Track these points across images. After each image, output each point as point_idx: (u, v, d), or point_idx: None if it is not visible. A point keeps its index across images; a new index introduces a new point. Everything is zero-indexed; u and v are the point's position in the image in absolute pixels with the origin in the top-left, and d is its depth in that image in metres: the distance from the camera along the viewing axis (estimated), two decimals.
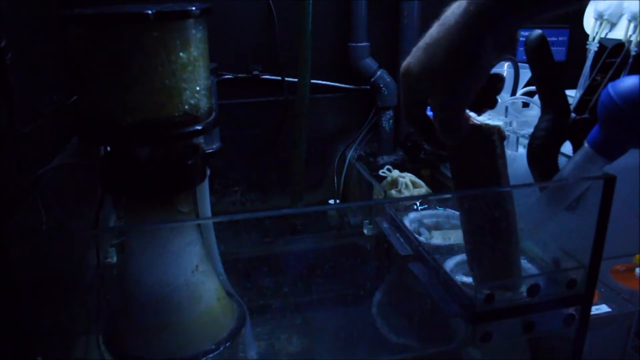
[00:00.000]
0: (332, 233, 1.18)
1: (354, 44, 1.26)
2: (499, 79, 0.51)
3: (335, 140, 1.35)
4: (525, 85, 1.10)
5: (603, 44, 1.02)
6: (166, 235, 0.58)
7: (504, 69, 1.10)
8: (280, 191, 1.32)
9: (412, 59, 0.49)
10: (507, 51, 0.48)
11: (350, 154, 1.33)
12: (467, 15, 0.45)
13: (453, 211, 0.80)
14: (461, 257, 0.67)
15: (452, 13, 0.46)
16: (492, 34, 0.45)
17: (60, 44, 0.79)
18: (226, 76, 1.22)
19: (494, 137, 0.53)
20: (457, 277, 0.62)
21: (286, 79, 1.24)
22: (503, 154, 0.54)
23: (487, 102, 0.52)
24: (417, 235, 0.73)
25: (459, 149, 0.54)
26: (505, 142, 0.83)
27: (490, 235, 0.55)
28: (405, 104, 0.52)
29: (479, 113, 0.53)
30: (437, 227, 0.80)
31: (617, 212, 0.54)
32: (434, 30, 0.48)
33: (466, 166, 0.55)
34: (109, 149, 0.62)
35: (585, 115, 0.55)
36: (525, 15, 0.46)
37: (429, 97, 0.49)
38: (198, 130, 0.56)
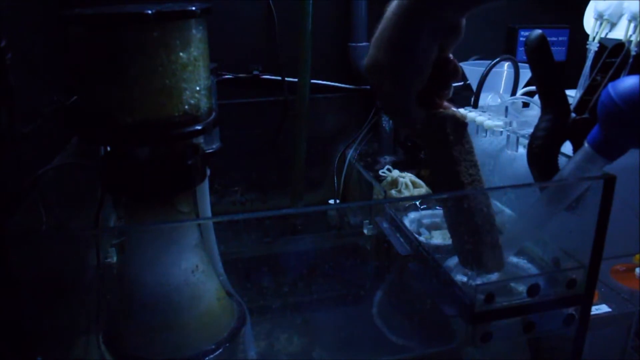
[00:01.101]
0: (332, 233, 1.18)
1: (354, 44, 1.26)
2: (448, 61, 0.52)
3: (335, 140, 1.35)
4: (525, 85, 1.10)
5: (603, 44, 1.02)
6: (166, 235, 0.58)
7: (504, 69, 1.10)
8: (280, 191, 1.31)
9: (368, 54, 0.52)
10: (451, 38, 0.49)
11: (350, 154, 1.33)
12: (400, 7, 0.47)
13: None
14: None
15: (391, 7, 0.48)
16: (428, 24, 0.47)
17: (60, 44, 0.79)
18: (226, 76, 1.22)
19: (445, 125, 0.54)
20: (457, 277, 0.62)
21: (286, 79, 1.24)
22: (461, 141, 0.55)
23: (442, 89, 0.54)
24: (417, 235, 0.73)
25: (420, 136, 0.56)
26: (505, 142, 0.83)
27: (464, 223, 0.55)
28: (375, 94, 0.55)
29: (439, 100, 0.54)
30: (437, 227, 0.80)
31: (617, 212, 0.54)
32: (380, 24, 0.50)
33: (428, 153, 0.58)
34: (109, 149, 0.62)
35: (585, 115, 0.55)
36: (460, 6, 0.47)
37: (384, 88, 0.51)
38: (198, 130, 0.56)
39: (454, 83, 0.55)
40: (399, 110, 0.52)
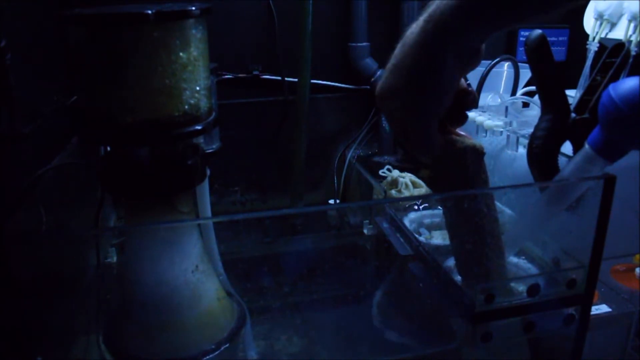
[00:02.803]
0: (332, 233, 1.18)
1: (354, 44, 1.26)
2: (467, 92, 0.51)
3: (335, 140, 1.35)
4: (525, 85, 1.10)
5: (603, 44, 1.02)
6: (166, 235, 0.58)
7: (504, 69, 1.10)
8: (280, 191, 1.31)
9: (382, 81, 0.50)
10: (471, 65, 0.48)
11: (350, 154, 1.33)
12: (424, 34, 0.45)
13: None
14: None
15: (411, 32, 0.47)
16: (452, 50, 0.45)
17: (60, 44, 0.79)
18: (226, 76, 1.22)
19: (466, 155, 0.52)
20: (457, 277, 0.62)
21: (286, 79, 1.24)
22: (479, 171, 0.54)
23: (457, 118, 0.52)
24: (417, 235, 0.73)
25: (435, 165, 0.54)
26: (505, 142, 0.83)
27: (467, 235, 0.55)
28: (388, 123, 0.53)
29: (450, 127, 0.53)
30: (437, 227, 0.80)
31: (617, 212, 0.54)
32: (398, 50, 0.48)
33: (442, 181, 0.55)
34: (109, 149, 0.62)
35: (585, 115, 0.55)
36: (484, 31, 0.46)
37: (400, 116, 0.50)
38: (198, 130, 0.56)
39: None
40: (418, 139, 0.50)
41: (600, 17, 1.02)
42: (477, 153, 0.53)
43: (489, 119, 0.83)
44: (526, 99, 0.99)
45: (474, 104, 0.52)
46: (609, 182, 0.52)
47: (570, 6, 0.46)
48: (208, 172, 0.65)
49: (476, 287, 0.54)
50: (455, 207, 0.55)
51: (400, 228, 0.73)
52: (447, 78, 0.47)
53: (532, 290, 0.55)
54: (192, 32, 0.54)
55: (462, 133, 0.53)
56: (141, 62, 0.51)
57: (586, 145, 0.53)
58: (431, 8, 0.45)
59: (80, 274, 0.73)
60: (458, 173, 0.53)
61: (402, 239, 0.71)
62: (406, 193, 1.03)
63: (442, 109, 0.49)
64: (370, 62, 1.27)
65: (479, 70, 1.02)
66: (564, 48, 1.36)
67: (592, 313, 0.59)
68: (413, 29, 0.46)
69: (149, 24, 0.51)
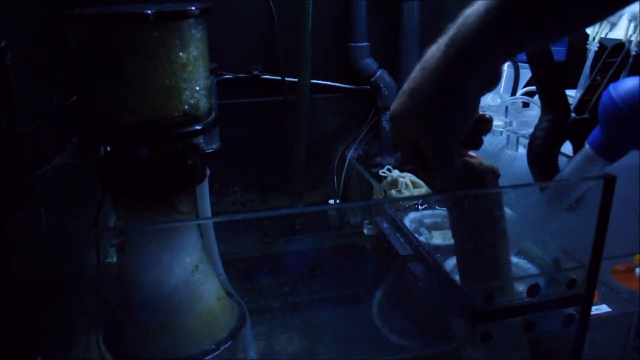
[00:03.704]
0: (332, 233, 1.18)
1: (354, 44, 1.26)
2: (486, 120, 0.51)
3: (335, 140, 1.35)
4: (525, 85, 1.10)
5: (603, 44, 1.02)
6: (166, 235, 0.58)
7: (504, 69, 1.10)
8: (280, 191, 1.31)
9: (398, 103, 0.49)
10: (491, 87, 0.48)
11: (350, 154, 1.33)
12: (446, 58, 0.45)
13: None
14: None
15: (431, 56, 0.46)
16: (473, 75, 0.45)
17: (60, 44, 0.79)
18: (226, 76, 1.22)
19: (485, 178, 0.52)
20: (457, 277, 0.62)
21: (286, 79, 1.24)
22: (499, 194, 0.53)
23: (472, 142, 0.52)
24: (417, 235, 0.73)
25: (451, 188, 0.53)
26: (505, 142, 0.83)
27: (475, 238, 0.54)
28: (397, 145, 0.52)
29: (462, 150, 0.53)
30: (437, 227, 0.80)
31: (617, 212, 0.54)
32: (417, 74, 0.47)
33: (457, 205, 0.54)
34: (109, 149, 0.62)
35: (585, 115, 0.55)
36: (504, 55, 0.46)
37: (418, 139, 0.49)
38: (198, 130, 0.56)
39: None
40: (438, 163, 0.50)
41: None
42: (495, 175, 0.53)
43: None
44: (526, 99, 0.99)
45: (488, 130, 0.52)
46: (609, 182, 0.52)
47: (586, 28, 0.46)
48: (208, 172, 0.65)
49: (476, 287, 0.54)
50: (457, 207, 0.54)
51: (400, 228, 0.73)
52: (469, 102, 0.47)
53: (532, 290, 0.55)
54: (192, 32, 0.54)
55: (474, 155, 0.53)
56: (141, 62, 0.51)
57: (586, 145, 0.53)
58: (452, 32, 0.45)
59: (80, 274, 0.73)
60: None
61: (402, 239, 0.71)
62: (406, 193, 1.03)
63: (463, 133, 0.48)
64: (370, 62, 1.27)
65: None
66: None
67: (592, 313, 0.59)
68: (434, 53, 0.46)
69: (148, 24, 0.50)
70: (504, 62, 0.47)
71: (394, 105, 0.50)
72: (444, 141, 0.48)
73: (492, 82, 0.47)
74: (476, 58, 0.44)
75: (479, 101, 0.48)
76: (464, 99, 0.46)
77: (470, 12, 0.43)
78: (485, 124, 0.51)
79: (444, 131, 0.47)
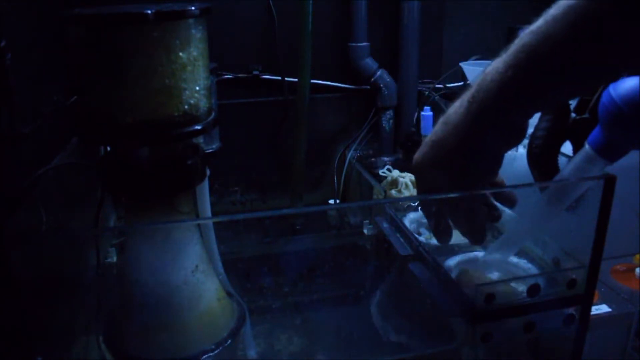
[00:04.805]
0: (332, 233, 1.19)
1: (354, 44, 1.26)
2: (494, 208, 0.53)
3: (335, 140, 1.35)
4: None
5: None
6: (166, 235, 0.58)
7: None
8: (280, 191, 1.32)
9: (421, 153, 0.50)
10: (515, 142, 0.48)
11: (350, 154, 1.33)
12: (469, 114, 0.45)
13: None
14: (461, 257, 0.67)
15: (454, 112, 0.46)
16: (496, 130, 0.45)
17: (60, 44, 0.79)
18: (226, 76, 1.22)
19: None
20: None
21: (286, 79, 1.24)
22: None
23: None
24: (417, 235, 0.73)
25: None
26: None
27: None
28: (419, 193, 0.54)
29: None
30: None
31: (617, 212, 0.54)
32: (439, 127, 0.48)
33: None
34: (109, 149, 0.62)
35: (585, 115, 0.55)
36: (527, 111, 0.46)
37: (441, 189, 0.50)
38: (198, 130, 0.56)
39: None
40: (463, 218, 0.52)
41: None
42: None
43: None
44: None
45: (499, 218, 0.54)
46: (609, 182, 0.52)
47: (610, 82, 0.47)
48: (208, 172, 0.65)
49: (476, 288, 0.54)
50: None
51: (400, 228, 0.73)
52: (491, 156, 0.47)
53: (532, 290, 0.55)
54: (192, 32, 0.54)
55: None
56: (141, 62, 0.51)
57: (586, 145, 0.53)
58: (474, 88, 0.45)
59: (80, 274, 0.73)
60: None
61: (402, 239, 0.71)
62: (406, 193, 1.03)
63: (485, 184, 0.50)
64: (370, 62, 1.27)
65: (479, 70, 1.02)
66: None
67: (592, 313, 0.59)
68: (457, 109, 0.46)
69: (149, 24, 0.51)
70: (527, 118, 0.47)
71: (417, 154, 0.50)
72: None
73: (516, 137, 0.47)
74: (497, 114, 0.44)
75: (502, 156, 0.48)
76: (484, 156, 0.47)
77: (490, 69, 0.44)
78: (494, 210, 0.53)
79: (468, 183, 0.48)
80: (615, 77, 0.45)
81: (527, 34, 0.42)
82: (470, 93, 0.45)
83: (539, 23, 0.41)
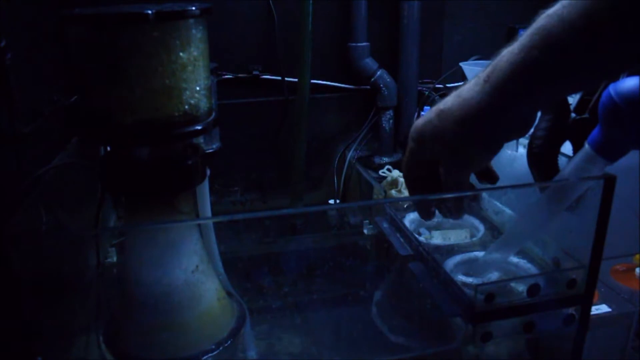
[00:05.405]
0: (332, 233, 1.18)
1: (354, 44, 1.26)
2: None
3: (335, 140, 1.35)
4: None
5: None
6: (166, 236, 0.58)
7: None
8: (280, 191, 1.32)
9: (424, 120, 0.49)
10: (520, 133, 0.48)
11: (350, 154, 1.33)
12: (481, 92, 0.45)
13: None
14: (461, 257, 0.67)
15: (469, 88, 0.46)
16: (505, 113, 0.45)
17: (60, 44, 0.79)
18: (226, 76, 1.22)
19: None
20: (457, 277, 0.62)
21: (286, 79, 1.24)
22: None
23: (487, 175, 0.53)
24: (417, 235, 0.73)
25: None
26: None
27: None
28: (408, 161, 0.52)
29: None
30: (437, 227, 0.80)
31: (617, 212, 0.54)
32: (450, 99, 0.48)
33: None
34: (109, 149, 0.62)
35: (585, 115, 0.55)
36: (536, 98, 0.45)
37: (436, 159, 0.49)
38: (198, 130, 0.56)
39: None
40: (449, 188, 0.51)
41: None
42: None
43: None
44: None
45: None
46: (609, 182, 0.52)
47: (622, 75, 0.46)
48: (208, 172, 0.65)
49: (476, 288, 0.54)
50: None
51: (400, 228, 0.73)
52: (492, 142, 0.47)
53: (532, 290, 0.55)
54: (192, 32, 0.54)
55: None
56: (141, 62, 0.51)
57: (586, 145, 0.53)
58: (489, 68, 0.45)
59: (80, 274, 0.73)
60: None
61: (402, 239, 0.71)
62: (406, 193, 1.03)
63: (480, 166, 0.49)
64: (370, 62, 1.27)
65: (479, 70, 1.02)
66: None
67: (592, 313, 0.59)
68: (472, 85, 0.46)
69: (149, 24, 0.51)
70: (534, 108, 0.47)
71: (419, 122, 0.49)
72: (461, 168, 0.48)
73: (520, 129, 0.47)
74: (509, 97, 0.44)
75: (502, 145, 0.48)
76: (488, 138, 0.46)
77: (507, 51, 0.44)
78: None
79: (463, 158, 0.48)
80: (632, 64, 0.45)
81: (543, 17, 0.42)
82: (486, 72, 0.45)
83: (556, 7, 0.41)
